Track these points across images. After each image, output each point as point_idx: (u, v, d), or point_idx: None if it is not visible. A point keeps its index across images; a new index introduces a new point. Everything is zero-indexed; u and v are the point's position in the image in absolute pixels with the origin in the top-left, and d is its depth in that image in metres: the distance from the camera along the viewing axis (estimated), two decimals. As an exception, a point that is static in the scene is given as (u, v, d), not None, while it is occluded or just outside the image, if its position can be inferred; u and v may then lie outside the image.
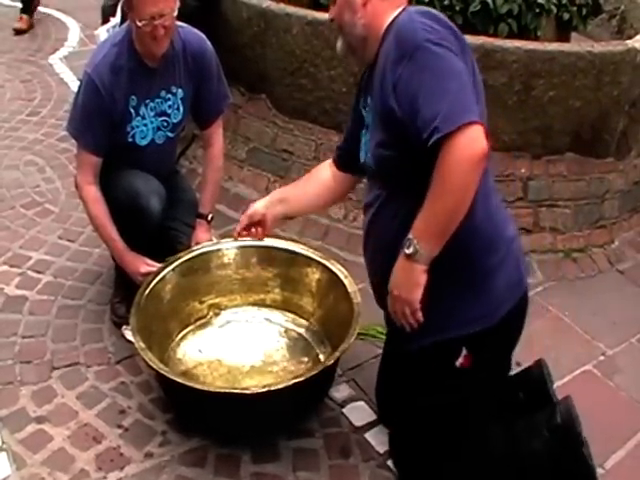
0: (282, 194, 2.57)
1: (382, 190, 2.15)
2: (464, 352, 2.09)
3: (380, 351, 2.54)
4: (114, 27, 4.07)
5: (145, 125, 2.78)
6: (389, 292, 2.03)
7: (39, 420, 2.51)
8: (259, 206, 2.53)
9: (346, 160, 2.42)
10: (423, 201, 1.89)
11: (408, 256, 1.92)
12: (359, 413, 2.58)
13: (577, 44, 3.76)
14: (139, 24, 2.51)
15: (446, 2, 3.76)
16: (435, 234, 1.89)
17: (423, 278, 1.94)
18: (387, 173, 2.09)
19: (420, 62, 1.83)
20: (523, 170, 3.52)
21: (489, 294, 2.07)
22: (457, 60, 1.84)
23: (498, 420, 2.28)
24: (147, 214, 2.71)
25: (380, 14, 2.02)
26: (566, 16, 4.06)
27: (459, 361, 2.10)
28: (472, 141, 1.77)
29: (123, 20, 3.78)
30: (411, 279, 1.95)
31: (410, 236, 1.91)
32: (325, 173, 2.51)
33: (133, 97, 2.71)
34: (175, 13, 2.59)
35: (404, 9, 2.02)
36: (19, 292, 3.12)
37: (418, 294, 1.97)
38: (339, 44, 2.15)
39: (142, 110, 2.75)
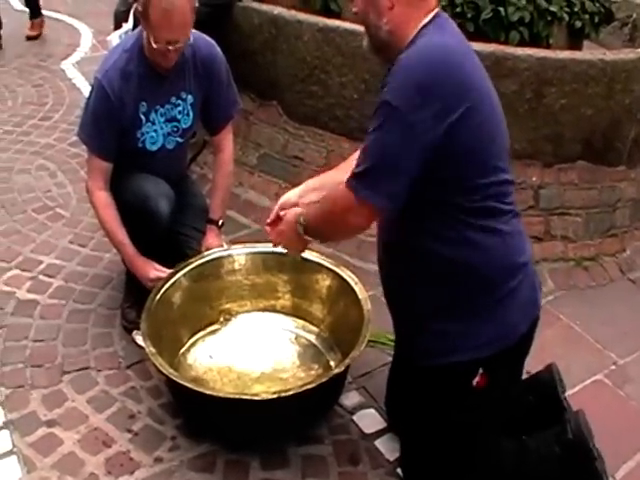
0: (317, 182, 2.53)
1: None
2: (480, 371, 2.08)
3: (390, 359, 2.53)
4: (126, 33, 4.09)
5: (155, 131, 2.79)
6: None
7: (49, 424, 2.52)
8: (292, 194, 2.49)
9: None
10: (431, 206, 1.95)
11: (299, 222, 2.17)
12: (369, 420, 2.57)
13: (589, 52, 3.76)
14: (153, 45, 2.53)
15: (458, 9, 3.76)
16: (314, 228, 2.15)
17: (303, 242, 2.26)
18: None
19: (377, 118, 1.91)
20: (534, 178, 3.51)
21: (505, 317, 2.06)
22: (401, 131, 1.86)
23: (510, 434, 2.27)
24: (156, 217, 2.72)
25: (406, 22, 1.96)
26: (578, 24, 4.05)
27: (475, 380, 2.08)
28: (356, 215, 1.96)
29: (135, 26, 3.81)
30: (293, 238, 2.25)
31: (304, 211, 2.19)
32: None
33: (143, 103, 2.72)
34: (190, 40, 2.62)
35: (435, 16, 1.98)
36: (30, 296, 3.13)
37: (295, 247, 2.33)
38: (365, 42, 2.12)
39: (152, 116, 2.76)
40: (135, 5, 4.07)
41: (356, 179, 1.93)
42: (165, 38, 2.52)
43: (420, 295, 2.11)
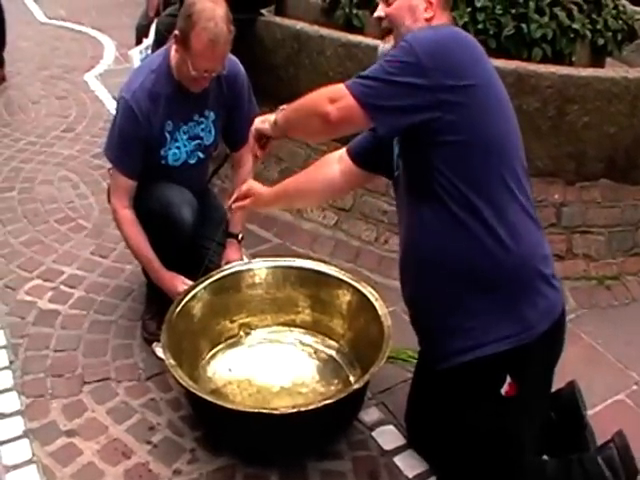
0: (287, 185, 2.57)
1: (410, 204, 2.16)
2: (508, 379, 2.07)
3: (410, 375, 2.52)
4: (147, 48, 4.15)
5: (178, 148, 2.81)
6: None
7: (69, 434, 2.52)
8: (257, 186, 2.58)
9: (368, 159, 2.43)
10: (449, 211, 1.99)
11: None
12: (388, 437, 2.56)
13: (612, 69, 3.74)
14: (191, 72, 2.56)
15: (480, 26, 3.76)
16: (287, 114, 2.17)
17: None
18: (413, 182, 2.10)
19: (395, 51, 1.98)
20: (556, 196, 3.50)
21: (525, 311, 2.05)
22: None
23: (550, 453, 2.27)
24: (179, 224, 2.74)
25: None
26: (601, 41, 4.03)
27: (504, 389, 2.07)
28: (332, 100, 1.96)
29: (157, 40, 3.85)
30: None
31: (282, 107, 2.19)
32: (332, 169, 2.50)
33: (169, 122, 2.74)
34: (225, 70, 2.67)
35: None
36: (52, 306, 3.15)
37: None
38: (387, 45, 2.15)
39: (176, 134, 2.78)
40: (157, 20, 4.14)
41: (354, 78, 1.97)
42: (204, 67, 2.56)
43: (435, 294, 2.12)
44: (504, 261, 2.02)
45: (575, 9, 3.91)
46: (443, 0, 2.12)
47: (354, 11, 4.03)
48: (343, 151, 2.48)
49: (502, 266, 2.02)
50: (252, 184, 2.58)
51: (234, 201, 2.57)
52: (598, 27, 4.03)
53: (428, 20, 2.07)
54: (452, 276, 2.05)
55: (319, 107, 1.99)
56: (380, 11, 2.14)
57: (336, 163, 2.49)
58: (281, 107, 2.20)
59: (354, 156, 2.45)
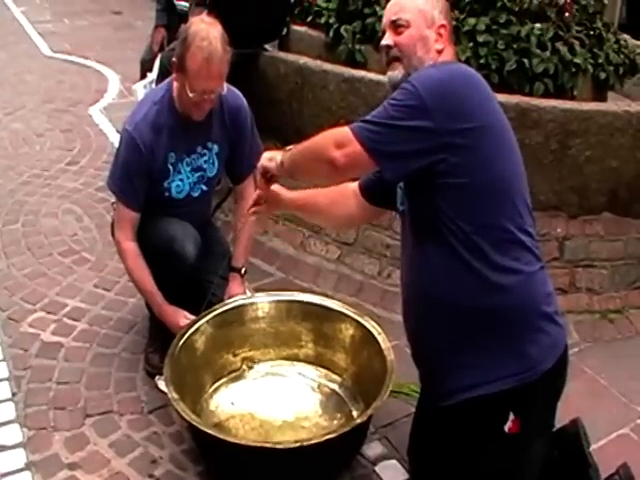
0: (308, 199, 2.60)
1: (415, 241, 2.15)
2: (511, 417, 2.06)
3: (413, 409, 2.51)
4: (151, 83, 4.19)
5: (181, 180, 2.82)
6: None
7: (71, 466, 2.52)
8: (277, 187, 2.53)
9: (377, 195, 2.43)
10: (453, 251, 1.97)
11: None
12: (391, 472, 2.54)
13: (614, 103, 3.77)
14: (189, 94, 2.58)
15: (482, 61, 3.80)
16: (293, 156, 2.15)
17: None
18: (417, 220, 2.11)
19: (399, 91, 1.96)
20: (559, 230, 3.51)
21: (528, 349, 2.03)
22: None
23: None
24: (183, 258, 2.74)
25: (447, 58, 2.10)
26: (603, 75, 4.07)
27: (507, 426, 2.06)
28: (339, 146, 1.94)
29: (160, 74, 3.89)
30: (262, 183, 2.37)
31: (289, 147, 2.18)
32: (351, 202, 2.51)
33: (172, 154, 2.76)
34: (224, 91, 2.67)
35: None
36: (55, 338, 3.15)
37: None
38: (396, 73, 2.12)
39: (179, 166, 2.80)
40: (161, 54, 4.19)
41: (355, 124, 1.95)
42: (202, 87, 2.56)
43: (439, 332, 2.10)
44: (507, 301, 2.00)
45: (577, 43, 3.94)
46: (450, 33, 2.13)
47: (357, 46, 4.07)
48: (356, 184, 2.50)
49: (505, 306, 2.01)
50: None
51: (250, 206, 2.53)
52: (600, 61, 4.07)
53: (439, 52, 2.08)
54: (455, 315, 2.04)
55: (325, 152, 1.97)
56: (388, 39, 2.11)
57: (352, 196, 2.51)
58: (288, 148, 2.20)
59: (363, 191, 2.46)
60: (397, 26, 2.09)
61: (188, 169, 2.82)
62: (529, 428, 2.07)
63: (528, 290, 2.05)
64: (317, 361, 2.88)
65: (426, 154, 1.92)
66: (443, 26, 2.10)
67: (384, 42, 2.13)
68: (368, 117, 1.95)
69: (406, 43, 2.08)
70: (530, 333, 2.04)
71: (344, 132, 1.95)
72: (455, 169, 1.93)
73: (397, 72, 2.11)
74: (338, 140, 1.95)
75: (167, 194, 2.81)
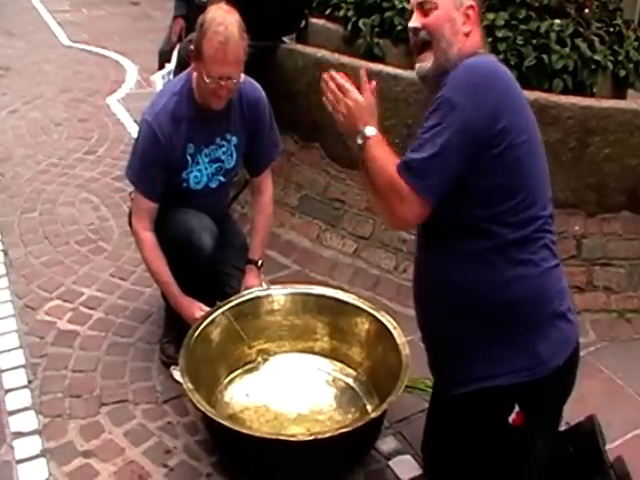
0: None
1: (436, 235, 2.14)
2: (516, 409, 2.06)
3: (427, 405, 2.51)
4: (169, 73, 4.18)
5: (200, 171, 2.82)
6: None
7: (86, 454, 2.53)
8: None
9: None
10: (475, 247, 1.99)
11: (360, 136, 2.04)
12: (405, 466, 2.54)
13: (634, 101, 3.73)
14: (206, 80, 2.57)
15: (501, 56, 3.77)
16: (369, 173, 2.04)
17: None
18: (442, 217, 2.08)
19: (436, 112, 1.93)
20: (577, 228, 3.49)
21: (540, 345, 2.05)
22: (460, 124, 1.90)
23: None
24: (200, 250, 2.75)
25: (473, 45, 2.05)
26: (622, 73, 4.04)
27: (512, 417, 2.06)
28: (403, 203, 1.94)
29: (179, 65, 3.89)
30: (348, 123, 2.09)
31: (367, 134, 2.02)
32: None
33: (190, 145, 2.76)
34: (241, 79, 2.66)
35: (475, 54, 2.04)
36: (71, 327, 3.17)
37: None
38: (425, 65, 2.08)
39: (198, 157, 2.80)
40: (179, 45, 4.19)
41: (408, 169, 1.94)
42: (219, 72, 2.55)
43: (455, 325, 2.11)
44: (523, 294, 2.01)
45: (597, 40, 3.92)
46: (477, 15, 2.08)
47: (375, 40, 4.05)
48: None
49: (521, 300, 2.02)
50: None
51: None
52: (620, 58, 4.04)
53: (467, 35, 2.03)
54: (472, 309, 2.05)
55: (392, 203, 1.98)
56: (416, 21, 2.06)
57: None
58: (372, 132, 2.04)
59: None
60: (425, 7, 2.04)
61: (206, 160, 2.82)
62: (533, 423, 2.08)
63: (543, 286, 2.05)
64: (332, 355, 2.88)
65: (468, 166, 1.93)
66: (471, 7, 2.05)
67: (412, 24, 2.08)
68: (417, 157, 1.93)
69: (434, 24, 2.03)
70: (543, 328, 2.05)
71: (405, 189, 1.93)
72: (486, 169, 1.94)
73: (426, 63, 2.07)
74: (401, 195, 1.95)
75: (185, 185, 2.82)
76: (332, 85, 2.12)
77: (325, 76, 2.14)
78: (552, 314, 2.07)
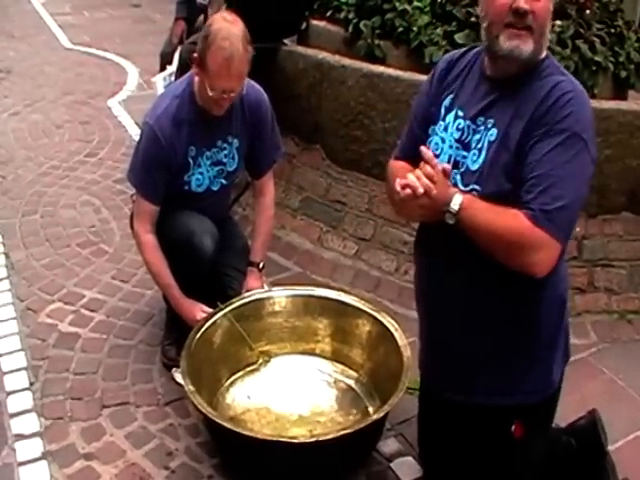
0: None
1: (460, 246, 2.00)
2: (516, 421, 2.07)
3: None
4: (170, 75, 4.19)
5: (201, 174, 2.83)
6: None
7: (87, 457, 2.54)
8: None
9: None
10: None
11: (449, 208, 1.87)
12: (407, 468, 2.54)
13: (634, 102, 3.73)
14: (209, 92, 2.58)
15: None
16: (480, 235, 1.88)
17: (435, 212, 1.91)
18: None
19: (567, 149, 1.83)
20: (578, 229, 3.48)
21: (551, 362, 2.06)
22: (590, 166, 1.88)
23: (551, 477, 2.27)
24: (201, 253, 2.75)
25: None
26: (623, 74, 4.03)
27: (512, 428, 2.06)
28: (544, 256, 1.83)
29: (180, 67, 3.90)
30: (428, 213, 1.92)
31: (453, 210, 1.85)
32: None
33: (192, 148, 2.76)
34: (244, 90, 2.67)
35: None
36: (72, 329, 3.17)
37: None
38: (527, 46, 1.91)
39: (199, 160, 2.80)
40: (180, 47, 4.20)
41: (550, 218, 1.80)
42: (222, 87, 2.57)
43: (476, 342, 2.08)
44: (542, 307, 2.02)
45: (597, 41, 3.91)
46: None
47: (376, 42, 4.04)
48: None
49: (540, 312, 2.02)
50: None
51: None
52: (621, 60, 4.03)
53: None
54: (500, 326, 2.03)
55: (524, 256, 1.84)
56: (527, 4, 1.86)
57: None
58: (456, 208, 1.86)
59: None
60: None
61: (208, 163, 2.82)
62: (533, 432, 2.08)
63: (559, 302, 2.06)
64: (333, 356, 2.88)
65: None
66: None
67: (525, 6, 1.86)
68: (559, 204, 1.81)
69: (543, 14, 1.91)
70: (558, 348, 2.06)
71: (544, 238, 1.81)
72: None
73: (529, 46, 1.90)
74: (538, 246, 1.82)
75: (187, 187, 2.82)
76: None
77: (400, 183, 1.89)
78: (563, 327, 2.09)
